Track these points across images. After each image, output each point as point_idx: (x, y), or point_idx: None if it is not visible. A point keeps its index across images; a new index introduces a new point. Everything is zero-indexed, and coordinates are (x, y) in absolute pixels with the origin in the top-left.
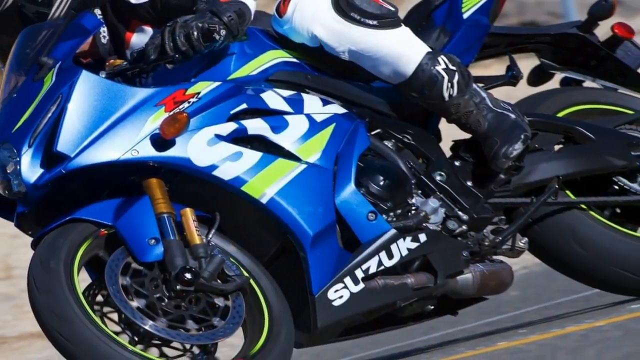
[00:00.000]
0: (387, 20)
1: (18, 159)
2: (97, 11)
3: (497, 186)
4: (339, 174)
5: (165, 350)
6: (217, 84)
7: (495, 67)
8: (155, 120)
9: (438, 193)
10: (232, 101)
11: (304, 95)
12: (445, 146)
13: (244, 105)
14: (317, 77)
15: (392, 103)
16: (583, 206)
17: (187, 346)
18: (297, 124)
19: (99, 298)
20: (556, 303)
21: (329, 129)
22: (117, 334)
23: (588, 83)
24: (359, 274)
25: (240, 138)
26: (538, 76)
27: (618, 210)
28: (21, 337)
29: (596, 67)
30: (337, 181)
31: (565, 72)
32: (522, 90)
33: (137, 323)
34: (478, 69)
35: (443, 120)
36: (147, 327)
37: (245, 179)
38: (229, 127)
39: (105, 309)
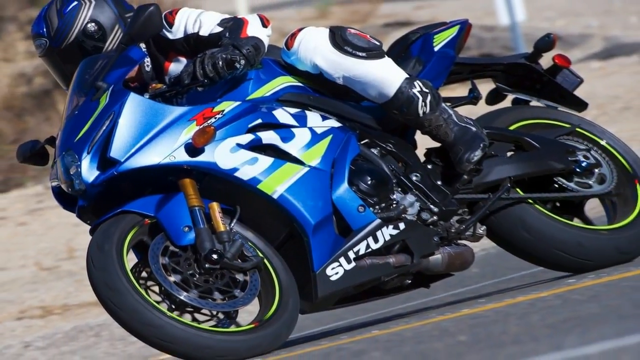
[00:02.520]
0: (373, 52)
1: (79, 163)
2: (142, 45)
3: (462, 185)
4: (335, 175)
5: (197, 315)
6: (237, 103)
7: (460, 90)
8: (188, 132)
9: (414, 190)
10: (249, 117)
11: (307, 112)
12: (420, 153)
13: (259, 120)
14: (318, 98)
15: (377, 118)
16: (530, 201)
17: (214, 313)
18: (302, 135)
19: (144, 274)
20: (508, 278)
21: (327, 139)
22: (158, 303)
23: (534, 102)
24: (351, 255)
25: (256, 146)
26: (494, 97)
27: (558, 204)
28: (81, 305)
29: (540, 89)
30: (334, 181)
31: (516, 94)
32: (481, 108)
33: (174, 294)
34: (446, 91)
35: (418, 132)
36: (182, 297)
37: (260, 179)
38: (247, 138)
39: (149, 283)
